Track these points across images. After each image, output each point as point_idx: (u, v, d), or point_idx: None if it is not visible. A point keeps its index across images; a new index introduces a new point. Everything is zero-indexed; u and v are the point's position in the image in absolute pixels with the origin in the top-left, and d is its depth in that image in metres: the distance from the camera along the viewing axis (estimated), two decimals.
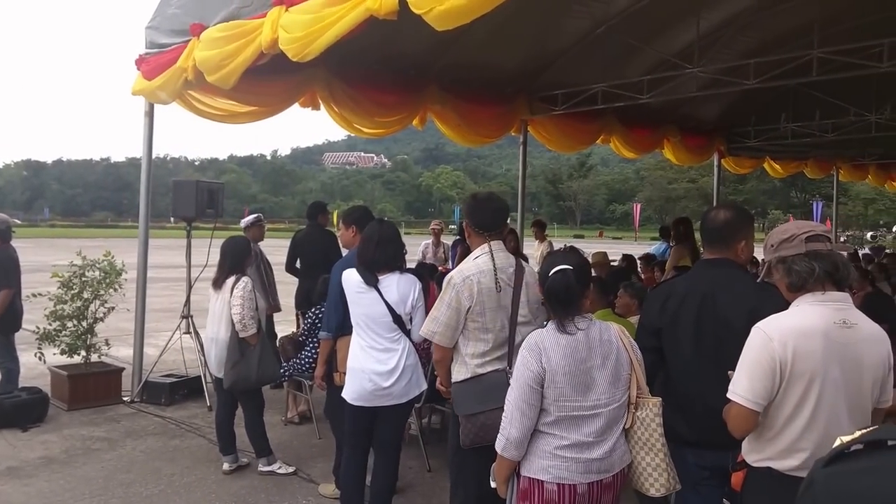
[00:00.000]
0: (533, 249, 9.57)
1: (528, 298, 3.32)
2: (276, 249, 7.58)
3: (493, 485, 2.76)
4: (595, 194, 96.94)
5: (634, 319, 5.09)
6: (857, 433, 1.29)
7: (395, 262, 3.88)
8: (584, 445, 2.57)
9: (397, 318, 3.79)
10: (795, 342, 2.17)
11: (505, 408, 2.63)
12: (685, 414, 2.79)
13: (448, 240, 10.34)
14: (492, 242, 3.36)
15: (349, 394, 3.86)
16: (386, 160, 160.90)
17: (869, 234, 42.11)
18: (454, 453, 3.46)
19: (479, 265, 3.31)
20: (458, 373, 3.33)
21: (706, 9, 7.34)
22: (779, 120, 10.04)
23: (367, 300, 3.80)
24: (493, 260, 3.30)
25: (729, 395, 2.27)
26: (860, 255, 12.11)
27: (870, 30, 7.09)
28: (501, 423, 2.64)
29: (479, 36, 6.89)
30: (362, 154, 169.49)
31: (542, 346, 2.58)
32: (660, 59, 8.19)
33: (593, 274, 7.58)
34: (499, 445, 2.63)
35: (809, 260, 2.25)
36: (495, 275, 3.27)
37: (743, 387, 2.22)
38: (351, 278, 3.87)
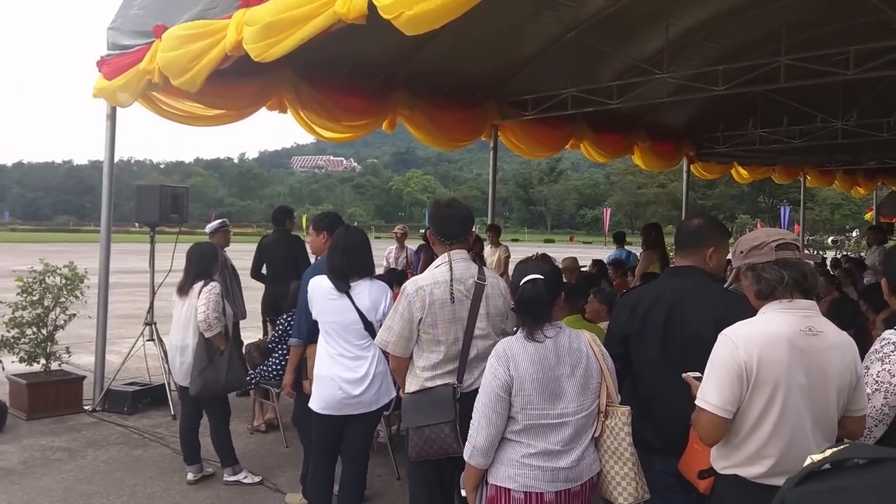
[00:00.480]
0: (488, 253, 9.40)
1: (488, 311, 3.22)
2: (243, 254, 7.47)
3: (463, 493, 2.72)
4: (565, 199, 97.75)
5: (604, 325, 5.09)
6: (828, 451, 1.29)
7: (364, 268, 3.84)
8: (552, 454, 2.55)
9: (368, 326, 3.75)
10: (761, 349, 2.16)
11: (473, 416, 2.60)
12: (652, 421, 2.79)
13: (413, 244, 10.26)
14: (452, 252, 3.27)
15: (317, 403, 3.79)
16: (356, 164, 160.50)
17: (830, 239, 42.99)
18: (409, 463, 3.42)
19: (436, 275, 3.23)
20: (409, 384, 3.27)
21: (675, 15, 7.40)
22: (747, 126, 10.18)
23: (338, 307, 3.74)
24: (451, 270, 3.21)
25: (697, 403, 2.26)
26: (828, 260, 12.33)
27: (836, 37, 7.22)
28: (469, 431, 2.61)
29: (448, 40, 6.86)
30: (332, 158, 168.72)
31: (510, 353, 2.56)
32: (629, 64, 8.24)
33: (564, 280, 7.60)
34: (466, 453, 2.61)
35: (779, 268, 2.25)
36: (451, 286, 3.17)
37: (711, 394, 2.21)
38: (321, 285, 3.80)
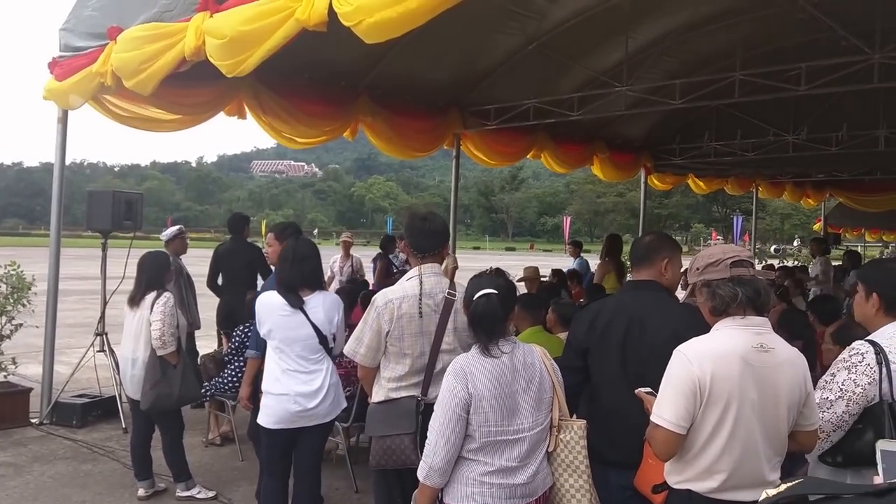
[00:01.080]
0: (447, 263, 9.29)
1: (456, 326, 3.21)
2: (201, 260, 7.32)
3: None
4: (526, 207, 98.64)
5: (564, 335, 5.11)
6: (783, 487, 1.29)
7: (315, 279, 3.80)
8: (509, 471, 2.55)
9: (323, 339, 3.71)
10: (714, 365, 2.20)
11: (429, 435, 2.58)
12: (609, 434, 2.81)
13: (366, 252, 10.15)
14: (424, 266, 3.28)
15: (269, 419, 3.71)
16: (317, 169, 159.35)
17: (773, 248, 44.08)
18: (375, 472, 3.41)
19: (406, 289, 3.24)
20: (375, 394, 3.28)
21: (634, 29, 7.53)
22: (702, 139, 10.40)
23: (292, 323, 3.68)
24: (421, 284, 3.22)
25: (652, 419, 2.28)
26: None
27: (788, 54, 7.42)
28: (425, 451, 2.58)
29: (411, 48, 6.85)
30: (292, 163, 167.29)
31: (468, 371, 2.55)
32: (590, 76, 8.35)
33: (525, 290, 7.64)
34: (421, 473, 2.58)
35: (733, 285, 2.28)
36: (420, 300, 3.18)
37: (666, 410, 2.24)
38: (272, 302, 3.73)
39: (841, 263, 13.01)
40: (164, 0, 5.30)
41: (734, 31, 7.56)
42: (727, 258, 2.33)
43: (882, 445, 0.99)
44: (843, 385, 2.47)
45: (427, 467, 2.55)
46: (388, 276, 9.24)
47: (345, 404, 3.95)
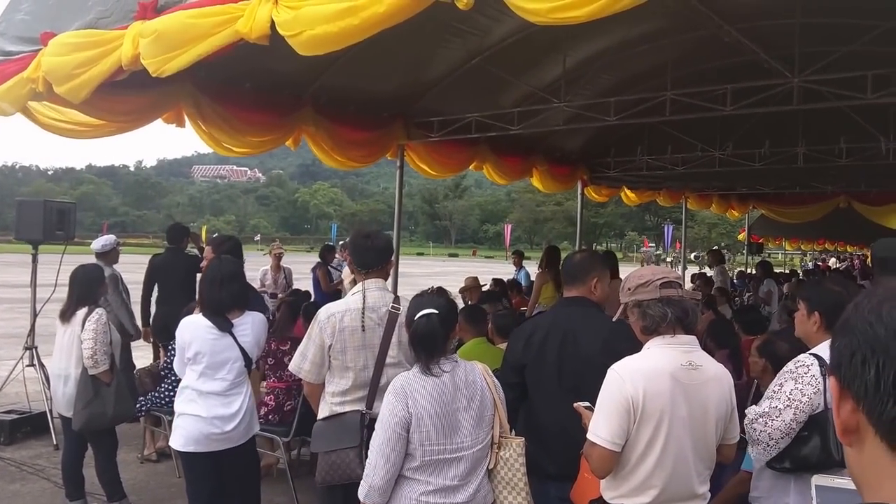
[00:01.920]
0: (345, 274, 8.61)
1: (401, 340, 3.24)
2: (139, 267, 7.15)
3: None
4: (469, 214, 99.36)
5: (503, 345, 5.20)
6: None
7: (242, 300, 3.79)
8: (449, 490, 2.59)
9: (249, 362, 3.70)
10: (646, 383, 2.30)
11: (369, 454, 2.61)
12: (547, 448, 2.89)
13: (304, 258, 10.04)
14: (368, 281, 3.34)
15: (183, 441, 3.66)
16: (260, 174, 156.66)
17: (693, 255, 45.42)
18: (321, 491, 3.42)
19: (348, 303, 3.30)
20: (321, 411, 3.31)
21: (572, 47, 7.74)
22: (635, 153, 10.74)
23: (220, 346, 3.66)
24: (364, 299, 3.27)
25: (588, 437, 2.36)
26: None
27: (715, 74, 7.76)
28: (365, 470, 2.61)
29: (356, 60, 6.87)
30: (234, 168, 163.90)
31: (409, 389, 2.58)
32: (529, 92, 8.54)
33: (466, 300, 7.73)
34: (362, 493, 2.59)
35: (663, 305, 2.39)
36: (362, 314, 3.23)
37: (601, 428, 2.32)
38: (199, 325, 3.68)
39: (754, 272, 13.70)
40: (100, 7, 5.17)
41: (664, 52, 7.86)
42: (657, 279, 2.44)
43: (817, 481, 1.07)
44: (790, 395, 2.61)
45: (367, 486, 2.56)
46: (331, 281, 9.19)
47: (257, 428, 3.95)
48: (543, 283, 7.74)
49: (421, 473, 2.58)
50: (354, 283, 3.56)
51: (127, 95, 5.98)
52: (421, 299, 2.79)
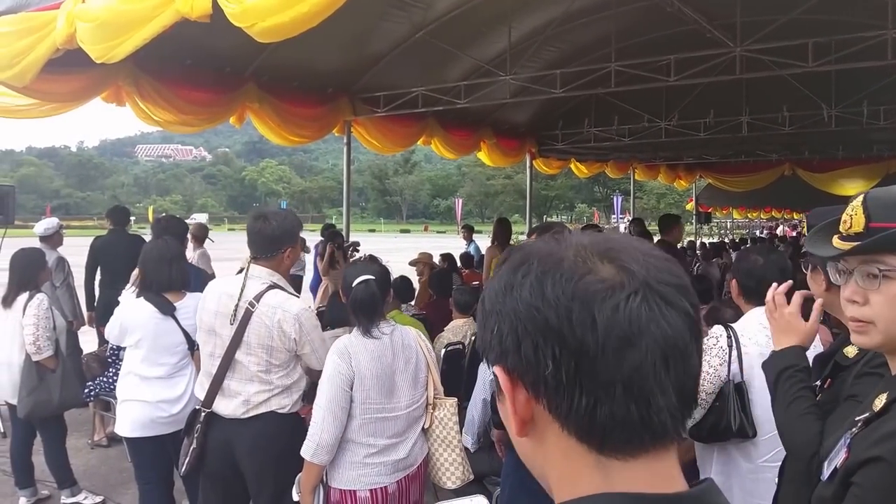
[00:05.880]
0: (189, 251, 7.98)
1: (249, 342, 2.96)
2: (84, 250, 6.97)
3: (295, 497, 2.76)
4: (419, 190, 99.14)
5: (462, 321, 5.28)
6: None
7: (185, 282, 3.73)
8: (390, 448, 2.72)
9: (192, 345, 3.63)
10: None
11: (314, 413, 2.66)
12: None
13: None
14: (252, 267, 3.05)
15: (130, 427, 3.62)
16: (206, 153, 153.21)
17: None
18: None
19: (224, 287, 3.11)
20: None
21: (517, 19, 7.76)
22: (583, 125, 10.87)
23: (162, 329, 3.60)
24: (244, 286, 3.00)
25: None
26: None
27: (659, 45, 7.88)
28: (310, 430, 2.66)
29: (298, 35, 6.75)
30: (179, 147, 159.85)
31: (351, 350, 2.67)
32: (475, 65, 8.55)
33: (417, 273, 7.76)
34: (308, 452, 2.64)
35: None
36: (237, 300, 2.96)
37: None
38: (142, 309, 3.59)
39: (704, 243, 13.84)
40: None
41: (608, 22, 7.95)
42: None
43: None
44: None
45: (314, 445, 2.62)
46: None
47: None
48: (494, 256, 7.79)
49: (362, 434, 2.68)
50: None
51: (66, 75, 5.80)
52: (356, 268, 2.85)
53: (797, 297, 1.96)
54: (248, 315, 2.95)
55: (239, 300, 2.96)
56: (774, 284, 2.02)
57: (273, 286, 3.01)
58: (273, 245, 3.05)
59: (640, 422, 0.68)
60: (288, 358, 2.99)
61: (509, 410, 0.73)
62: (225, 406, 2.99)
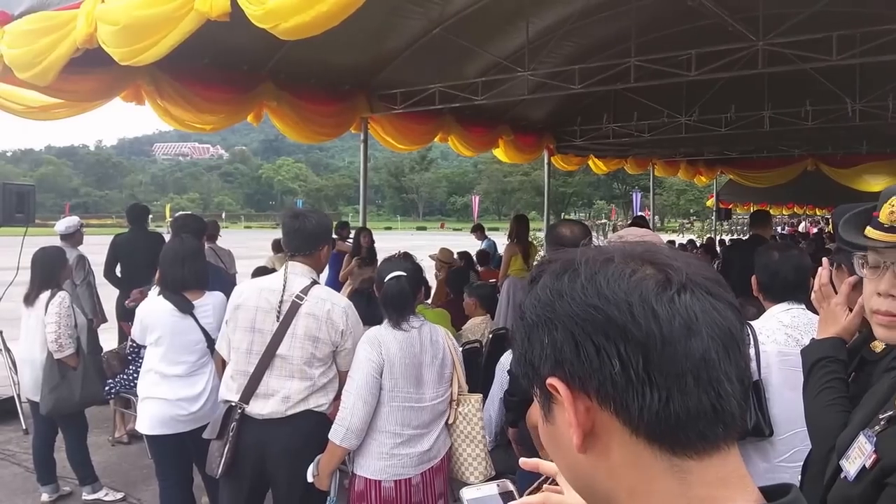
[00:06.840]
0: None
1: (296, 333, 2.97)
2: (103, 248, 7.03)
3: (310, 478, 2.78)
4: (436, 187, 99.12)
5: (480, 319, 5.27)
6: None
7: (203, 281, 3.74)
8: (415, 438, 2.77)
9: (211, 343, 3.62)
10: None
11: (343, 399, 2.72)
12: None
13: (269, 234, 9.87)
14: (290, 263, 3.11)
15: (150, 424, 3.63)
16: (223, 151, 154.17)
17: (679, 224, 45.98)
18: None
19: (263, 284, 3.14)
20: (220, 389, 3.28)
21: (534, 14, 7.70)
22: (601, 121, 10.77)
23: (181, 328, 3.61)
24: (286, 283, 3.04)
25: None
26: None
27: (679, 39, 7.79)
28: (340, 414, 2.71)
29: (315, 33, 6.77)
30: (197, 145, 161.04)
31: (381, 339, 2.75)
32: (493, 61, 8.49)
33: (436, 269, 7.74)
34: (337, 436, 2.69)
35: None
36: (281, 296, 3.00)
37: None
38: (161, 307, 3.62)
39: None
40: None
41: (628, 16, 7.84)
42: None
43: (466, 494, 1.05)
44: None
45: (344, 430, 2.68)
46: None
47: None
48: (513, 254, 7.75)
49: (390, 423, 2.73)
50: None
51: (86, 74, 5.84)
52: (389, 263, 2.91)
53: (845, 286, 1.92)
54: (294, 307, 2.98)
55: (283, 295, 3.00)
56: (819, 274, 1.97)
57: (315, 282, 3.10)
58: (312, 242, 3.12)
59: (713, 412, 0.67)
60: (329, 353, 3.04)
61: (571, 422, 0.69)
62: (261, 407, 2.98)
